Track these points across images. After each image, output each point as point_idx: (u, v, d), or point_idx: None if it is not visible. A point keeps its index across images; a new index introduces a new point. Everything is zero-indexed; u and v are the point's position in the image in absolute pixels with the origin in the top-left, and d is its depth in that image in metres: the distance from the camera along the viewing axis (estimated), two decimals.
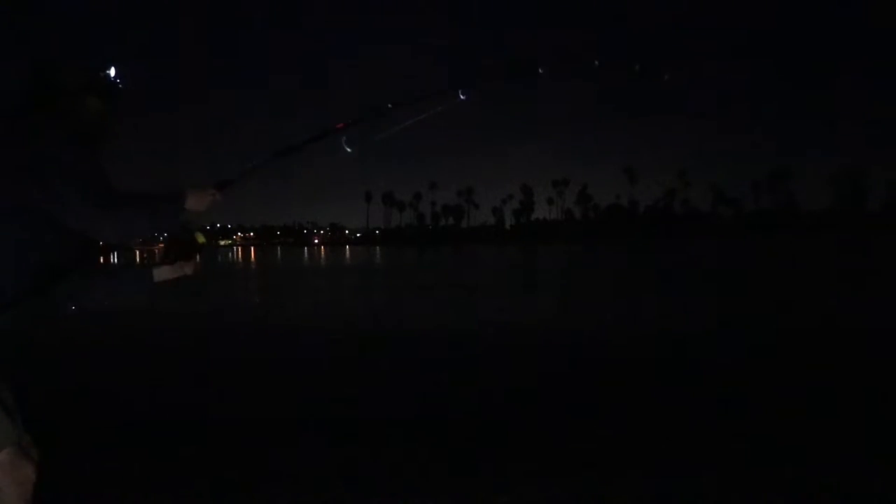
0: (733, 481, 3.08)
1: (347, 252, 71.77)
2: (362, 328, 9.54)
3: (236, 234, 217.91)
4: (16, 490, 1.71)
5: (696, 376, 5.55)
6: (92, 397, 5.23)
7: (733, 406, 4.47)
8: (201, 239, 1.94)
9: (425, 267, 31.47)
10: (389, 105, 2.16)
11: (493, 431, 4.03)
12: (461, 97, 2.22)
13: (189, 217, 1.89)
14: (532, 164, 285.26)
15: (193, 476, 3.29)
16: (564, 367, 6.19)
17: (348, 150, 2.11)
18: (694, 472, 3.23)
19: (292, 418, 4.46)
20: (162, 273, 1.91)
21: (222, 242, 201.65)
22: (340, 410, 4.64)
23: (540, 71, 2.33)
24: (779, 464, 3.31)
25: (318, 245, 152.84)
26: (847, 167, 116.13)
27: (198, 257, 1.95)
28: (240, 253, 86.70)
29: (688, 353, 6.69)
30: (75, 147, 1.69)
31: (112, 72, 1.88)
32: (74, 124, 1.77)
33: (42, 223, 1.65)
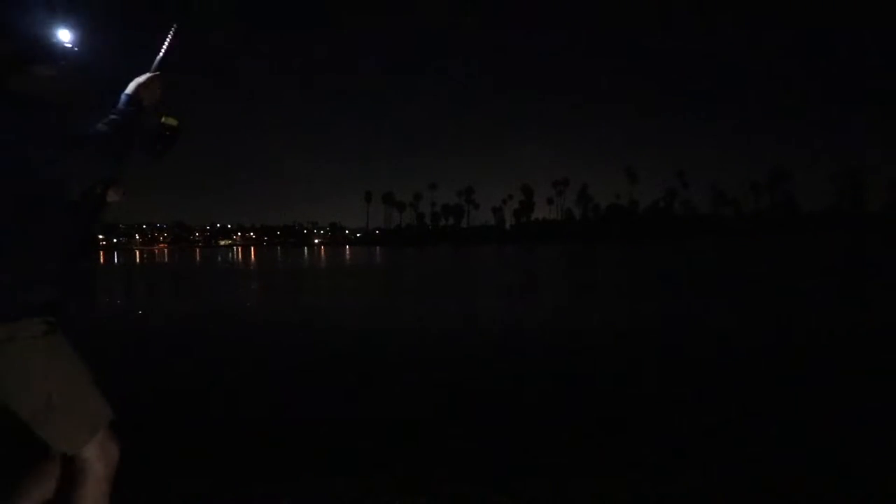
0: (733, 484, 3.09)
1: (347, 252, 71.76)
2: (362, 328, 9.54)
3: (236, 234, 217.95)
4: (104, 469, 1.81)
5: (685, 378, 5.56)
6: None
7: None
8: (172, 121, 1.93)
9: (425, 266, 31.49)
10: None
11: (493, 431, 4.03)
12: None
13: (152, 110, 1.90)
14: (532, 164, 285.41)
15: (193, 475, 3.29)
16: (564, 367, 6.19)
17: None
18: (694, 474, 3.23)
19: (291, 418, 4.46)
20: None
21: (222, 242, 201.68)
22: (340, 410, 4.65)
23: None
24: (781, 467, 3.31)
25: (319, 245, 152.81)
26: (847, 167, 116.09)
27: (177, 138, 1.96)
28: (240, 253, 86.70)
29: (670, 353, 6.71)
30: (40, 114, 1.72)
31: (59, 35, 1.81)
32: (25, 94, 1.75)
33: (52, 186, 1.75)
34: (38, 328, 1.74)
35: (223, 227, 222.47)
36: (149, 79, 1.92)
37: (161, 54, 1.98)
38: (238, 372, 6.26)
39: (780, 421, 4.09)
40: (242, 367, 6.55)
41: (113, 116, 1.83)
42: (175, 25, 1.99)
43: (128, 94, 1.88)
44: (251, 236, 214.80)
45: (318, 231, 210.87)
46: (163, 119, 1.93)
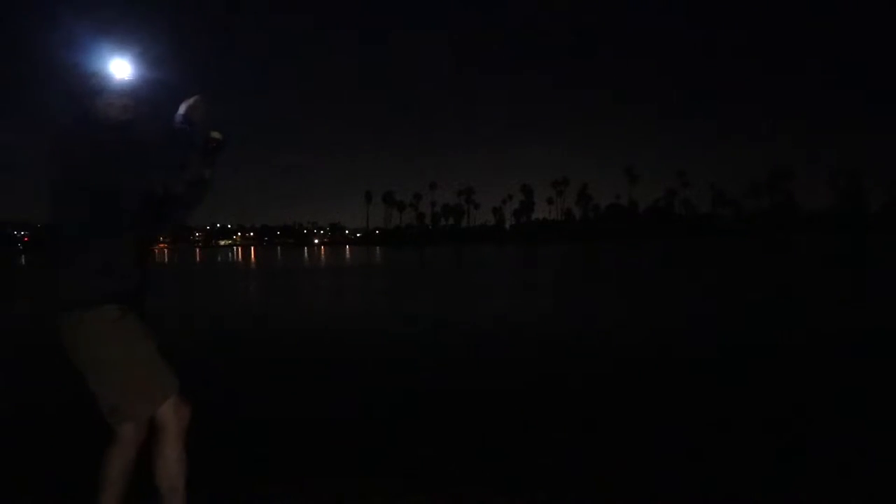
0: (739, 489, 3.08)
1: (347, 252, 71.74)
2: (362, 327, 9.54)
3: (236, 234, 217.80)
4: (178, 425, 2.24)
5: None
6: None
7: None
8: (217, 134, 2.36)
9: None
10: None
11: (493, 432, 4.03)
12: None
13: (200, 126, 2.28)
14: (532, 164, 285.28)
15: (192, 475, 3.28)
16: (564, 367, 6.19)
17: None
18: (694, 475, 3.23)
19: (291, 418, 4.46)
20: (208, 172, 2.41)
21: (222, 242, 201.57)
22: (339, 410, 4.64)
23: None
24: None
25: (319, 245, 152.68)
26: (847, 167, 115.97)
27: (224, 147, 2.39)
28: (240, 253, 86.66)
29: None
30: (113, 136, 2.12)
31: (120, 67, 2.18)
32: (106, 121, 2.16)
33: (126, 196, 2.15)
34: (113, 313, 2.11)
35: (223, 227, 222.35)
36: (195, 100, 2.28)
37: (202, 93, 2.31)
38: (236, 371, 6.26)
39: (781, 422, 4.10)
40: (240, 366, 6.54)
41: (173, 134, 2.22)
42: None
43: (181, 115, 2.25)
44: (251, 236, 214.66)
45: (318, 231, 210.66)
46: (212, 134, 2.34)
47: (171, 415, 2.21)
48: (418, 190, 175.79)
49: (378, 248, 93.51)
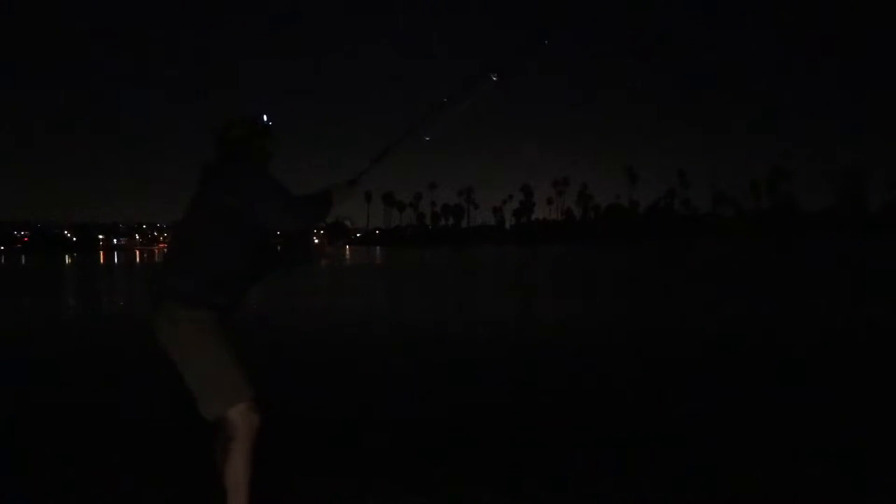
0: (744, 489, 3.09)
1: (347, 252, 71.70)
2: (362, 327, 9.53)
3: None
4: (244, 431, 2.36)
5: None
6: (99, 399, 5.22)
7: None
8: (347, 222, 2.70)
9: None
10: (445, 99, 2.84)
11: (493, 432, 4.03)
12: (493, 79, 2.81)
13: (339, 210, 2.61)
14: (532, 164, 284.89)
15: (192, 475, 3.28)
16: (565, 367, 6.19)
17: (427, 139, 2.82)
18: (695, 476, 3.23)
19: (290, 418, 4.45)
20: (326, 252, 2.77)
21: None
22: (340, 410, 4.64)
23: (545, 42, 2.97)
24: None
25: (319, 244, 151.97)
26: (847, 167, 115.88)
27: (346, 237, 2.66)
28: None
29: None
30: (257, 174, 2.47)
31: (265, 118, 2.63)
32: (249, 160, 2.54)
33: (250, 228, 2.43)
34: (208, 317, 2.36)
35: None
36: (347, 195, 2.64)
37: (362, 173, 2.72)
38: None
39: (780, 424, 4.10)
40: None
41: (316, 198, 2.56)
42: (371, 163, 2.75)
43: (327, 191, 2.59)
44: None
45: (318, 231, 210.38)
46: (344, 220, 2.69)
47: (240, 419, 2.36)
48: (418, 190, 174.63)
49: (378, 247, 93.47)
